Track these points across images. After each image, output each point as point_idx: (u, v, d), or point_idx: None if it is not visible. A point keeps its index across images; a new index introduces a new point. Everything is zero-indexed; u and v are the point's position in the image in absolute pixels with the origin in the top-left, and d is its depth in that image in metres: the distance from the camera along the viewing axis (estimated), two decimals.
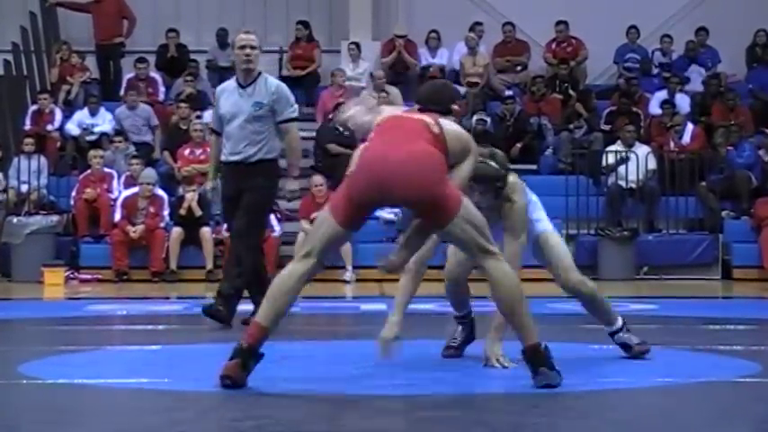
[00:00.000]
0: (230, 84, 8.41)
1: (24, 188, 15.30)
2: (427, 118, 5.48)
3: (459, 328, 6.74)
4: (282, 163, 8.56)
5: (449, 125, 5.51)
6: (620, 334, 6.55)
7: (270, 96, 8.27)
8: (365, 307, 10.56)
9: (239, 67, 8.34)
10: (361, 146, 5.49)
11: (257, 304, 7.95)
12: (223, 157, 8.34)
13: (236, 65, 8.48)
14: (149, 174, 14.90)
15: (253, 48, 8.28)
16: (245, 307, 8.24)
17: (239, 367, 5.25)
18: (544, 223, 6.60)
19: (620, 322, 6.56)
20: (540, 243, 6.50)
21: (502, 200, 6.14)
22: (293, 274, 5.37)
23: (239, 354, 5.27)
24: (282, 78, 17.98)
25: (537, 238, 6.49)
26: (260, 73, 8.34)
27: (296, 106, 8.45)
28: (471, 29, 17.95)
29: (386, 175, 5.24)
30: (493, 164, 6.05)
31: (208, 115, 16.31)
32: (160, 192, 14.91)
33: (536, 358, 5.38)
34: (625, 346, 6.53)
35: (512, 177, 6.16)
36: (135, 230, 14.47)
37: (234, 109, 8.25)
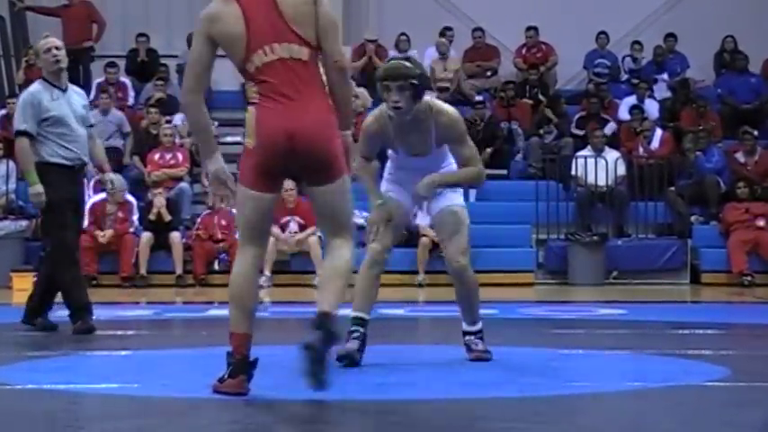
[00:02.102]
0: (41, 88, 8.34)
1: None
2: (287, 52, 5.18)
3: (355, 334, 6.39)
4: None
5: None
6: (473, 338, 6.62)
7: (86, 100, 8.61)
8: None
9: (51, 69, 8.32)
10: (252, 108, 5.25)
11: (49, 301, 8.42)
12: (58, 159, 8.24)
13: (46, 69, 8.38)
14: (118, 182, 14.73)
15: (59, 48, 8.38)
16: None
17: (246, 381, 5.24)
18: (459, 197, 6.63)
19: (479, 326, 6.65)
20: (445, 213, 6.53)
21: (428, 110, 6.24)
22: (244, 273, 5.29)
23: (240, 368, 5.20)
24: None
25: (447, 208, 6.53)
26: None
27: None
28: (441, 34, 17.98)
29: (293, 150, 5.15)
30: (407, 63, 6.21)
31: (178, 119, 16.31)
32: (129, 197, 14.85)
33: (324, 322, 5.11)
34: (468, 349, 6.62)
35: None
36: (104, 235, 14.41)
37: (68, 112, 8.29)
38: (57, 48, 8.36)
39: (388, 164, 6.64)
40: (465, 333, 6.65)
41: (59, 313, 8.83)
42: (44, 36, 8.70)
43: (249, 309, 5.27)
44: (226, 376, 5.24)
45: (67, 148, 8.26)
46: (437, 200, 6.53)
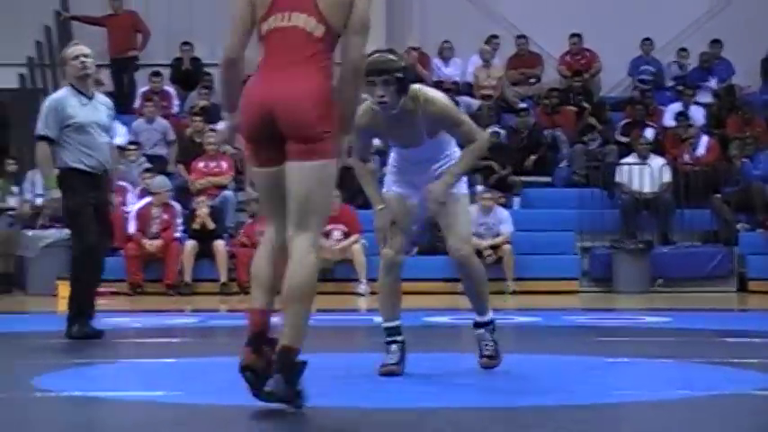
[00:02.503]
0: (67, 94, 8.48)
1: (39, 201, 15.33)
2: (303, 22, 5.01)
3: (393, 347, 6.28)
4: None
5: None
6: (483, 331, 6.39)
7: (111, 108, 8.70)
8: (379, 320, 10.54)
9: (77, 75, 8.47)
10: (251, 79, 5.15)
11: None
12: (80, 165, 8.37)
13: (72, 76, 8.51)
14: (163, 182, 14.95)
15: (87, 56, 8.50)
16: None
17: (253, 352, 5.05)
18: (462, 184, 6.33)
19: (490, 316, 6.41)
20: (447, 202, 6.20)
21: (416, 100, 6.01)
22: (260, 252, 5.16)
23: (250, 340, 5.05)
24: None
25: (448, 196, 6.20)
26: None
27: None
28: (487, 41, 17.97)
29: (271, 118, 4.95)
30: (391, 56, 5.97)
31: (221, 126, 16.38)
32: (173, 202, 14.95)
33: (284, 361, 4.89)
34: (479, 351, 6.38)
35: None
36: (152, 243, 14.49)
37: (92, 119, 8.42)
38: (85, 55, 8.48)
39: (392, 154, 6.44)
40: (476, 325, 6.44)
41: (104, 320, 8.88)
42: (73, 43, 8.83)
43: (264, 284, 5.11)
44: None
45: (89, 155, 8.38)
46: None
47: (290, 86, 4.96)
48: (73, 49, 8.59)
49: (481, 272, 6.37)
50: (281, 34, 5.03)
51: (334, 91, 5.05)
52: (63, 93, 8.55)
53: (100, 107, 8.54)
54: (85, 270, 8.49)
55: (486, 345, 6.40)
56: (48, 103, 8.59)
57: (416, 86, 6.11)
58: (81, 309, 8.46)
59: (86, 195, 8.36)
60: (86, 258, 8.47)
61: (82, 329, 8.36)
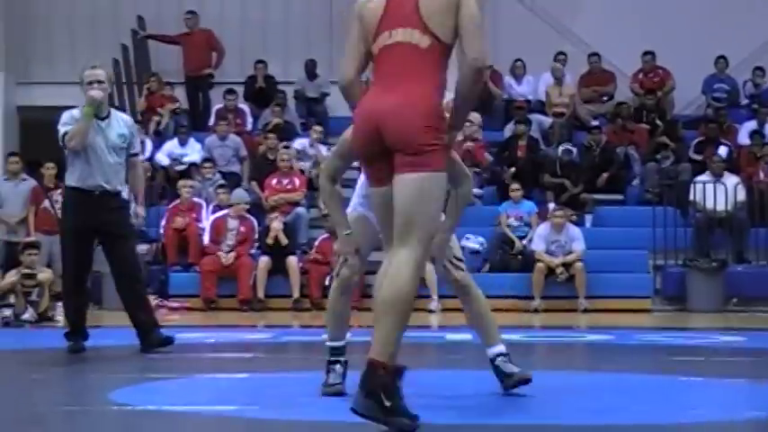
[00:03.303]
0: (79, 116, 8.54)
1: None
2: (408, 35, 4.98)
3: (337, 367, 6.08)
4: None
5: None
6: (501, 359, 6.15)
7: (129, 129, 8.73)
8: (450, 337, 10.55)
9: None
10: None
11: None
12: (80, 184, 8.49)
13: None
14: (241, 195, 15.14)
15: (100, 82, 8.58)
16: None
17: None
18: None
19: (502, 347, 6.16)
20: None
21: None
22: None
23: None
24: None
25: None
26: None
27: None
28: (555, 58, 17.93)
29: (378, 133, 4.89)
30: None
31: (296, 145, 16.52)
32: (249, 216, 15.11)
33: (366, 375, 4.72)
34: (505, 375, 6.12)
35: None
36: (227, 257, 14.62)
37: (101, 140, 8.50)
38: (99, 82, 8.58)
39: (362, 175, 6.10)
40: (493, 358, 6.16)
41: (178, 335, 8.95)
42: (90, 66, 8.84)
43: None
44: None
45: (91, 175, 8.47)
46: None
47: (396, 99, 4.90)
48: (88, 74, 8.64)
49: (480, 293, 6.22)
50: (387, 51, 5.01)
51: (456, 94, 5.04)
52: (76, 113, 8.60)
53: (113, 127, 8.60)
54: (65, 292, 8.86)
55: (512, 367, 6.17)
56: (63, 115, 8.63)
57: None
58: (74, 327, 8.68)
59: (81, 218, 8.49)
60: (68, 282, 8.77)
61: (76, 345, 8.59)
